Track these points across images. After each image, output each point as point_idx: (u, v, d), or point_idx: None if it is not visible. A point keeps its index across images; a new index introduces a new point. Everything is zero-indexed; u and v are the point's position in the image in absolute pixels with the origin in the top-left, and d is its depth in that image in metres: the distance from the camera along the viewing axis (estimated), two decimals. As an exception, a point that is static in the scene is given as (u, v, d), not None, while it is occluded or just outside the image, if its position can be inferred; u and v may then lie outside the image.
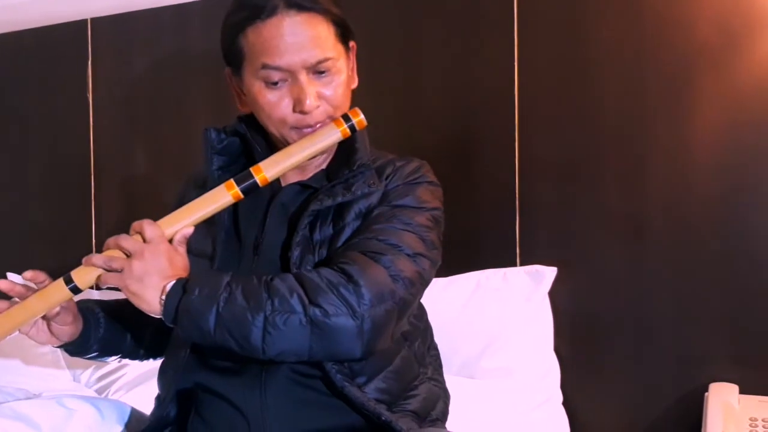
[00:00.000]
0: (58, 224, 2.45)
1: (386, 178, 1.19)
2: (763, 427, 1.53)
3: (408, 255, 1.10)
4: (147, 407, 1.38)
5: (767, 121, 1.66)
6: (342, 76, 1.16)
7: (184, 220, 1.10)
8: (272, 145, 1.23)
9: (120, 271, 1.05)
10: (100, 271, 1.07)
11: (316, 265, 1.13)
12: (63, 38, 2.42)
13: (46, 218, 2.47)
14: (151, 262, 1.04)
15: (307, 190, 1.21)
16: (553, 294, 1.81)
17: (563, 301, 1.82)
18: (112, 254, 1.06)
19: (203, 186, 1.23)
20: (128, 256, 1.06)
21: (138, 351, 1.34)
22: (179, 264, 1.07)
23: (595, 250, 1.80)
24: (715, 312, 1.69)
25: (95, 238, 2.38)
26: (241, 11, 1.14)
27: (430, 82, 1.95)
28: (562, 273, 1.81)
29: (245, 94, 1.20)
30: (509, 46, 1.87)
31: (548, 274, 1.81)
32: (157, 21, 2.30)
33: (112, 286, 1.06)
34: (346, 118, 1.15)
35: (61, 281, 1.10)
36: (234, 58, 1.17)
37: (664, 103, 1.74)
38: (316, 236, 1.15)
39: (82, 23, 2.38)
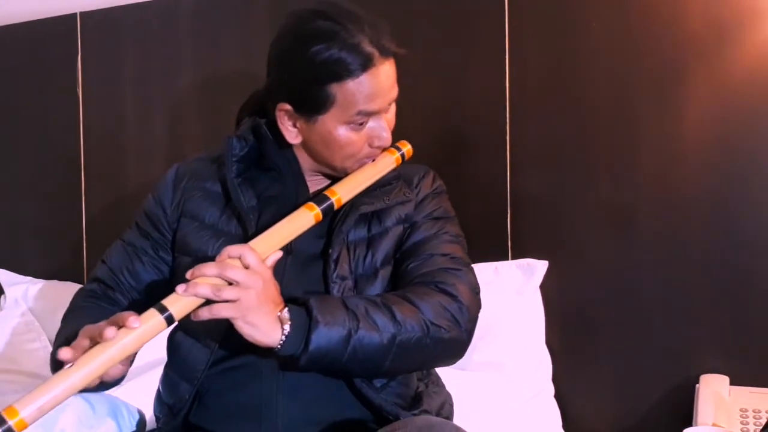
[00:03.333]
0: (47, 220, 2.43)
1: (416, 187, 1.28)
2: (754, 417, 1.54)
3: (465, 265, 1.23)
4: (139, 401, 1.37)
5: (757, 113, 1.67)
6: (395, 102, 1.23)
7: (272, 244, 1.10)
8: (293, 156, 1.24)
9: (233, 301, 1.01)
10: (199, 301, 1.02)
11: (394, 280, 1.21)
12: (52, 33, 2.40)
13: (36, 214, 2.46)
14: (265, 291, 1.03)
15: None
16: (544, 287, 1.82)
17: (554, 295, 1.82)
18: (215, 283, 1.02)
19: (209, 182, 1.27)
20: (230, 284, 1.02)
21: None
22: (278, 290, 1.08)
23: (586, 244, 1.81)
24: (706, 304, 1.70)
25: (85, 234, 2.37)
26: (334, 64, 1.12)
27: (421, 78, 1.94)
28: (553, 266, 1.82)
29: (303, 129, 1.19)
30: (500, 40, 1.87)
31: (539, 267, 1.81)
32: (147, 15, 2.29)
33: (223, 317, 1.01)
34: (397, 148, 1.25)
35: (154, 311, 1.01)
36: (315, 104, 1.15)
37: (655, 97, 1.75)
38: (351, 237, 1.21)
39: (71, 17, 2.37)
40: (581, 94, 1.82)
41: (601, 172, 1.80)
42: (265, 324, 1.02)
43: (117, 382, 1.15)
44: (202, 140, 2.15)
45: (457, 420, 1.26)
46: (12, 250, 2.48)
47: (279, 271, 1.15)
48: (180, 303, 1.02)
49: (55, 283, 2.33)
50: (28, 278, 2.38)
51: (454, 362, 1.23)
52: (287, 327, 1.03)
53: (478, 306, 1.21)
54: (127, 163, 2.32)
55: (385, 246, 1.22)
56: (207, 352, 1.17)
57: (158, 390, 1.27)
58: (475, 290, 1.21)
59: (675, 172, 1.73)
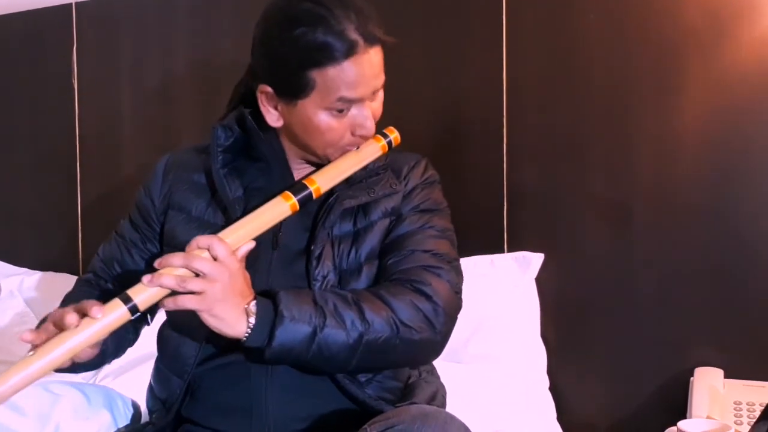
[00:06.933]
0: (43, 211, 2.43)
1: (404, 178, 1.24)
2: (748, 410, 1.55)
3: (449, 262, 1.18)
4: (134, 393, 1.37)
5: (754, 107, 1.67)
6: (382, 90, 1.19)
7: (244, 235, 1.07)
8: (279, 144, 1.22)
9: (197, 293, 1.00)
10: (164, 292, 1.00)
11: (377, 277, 1.17)
12: (47, 23, 2.40)
13: (32, 205, 2.45)
14: (232, 284, 1.01)
15: None
16: (540, 280, 1.82)
17: (550, 287, 1.82)
18: (181, 274, 1.01)
19: (196, 174, 1.24)
20: (197, 275, 1.01)
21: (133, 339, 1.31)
22: (248, 282, 1.06)
23: (581, 237, 1.81)
24: (701, 297, 1.70)
25: (81, 224, 2.36)
26: (317, 48, 1.08)
27: (418, 69, 1.94)
28: (549, 259, 1.82)
29: (284, 112, 1.16)
30: (497, 32, 1.87)
31: (535, 260, 1.81)
32: (143, 5, 2.28)
33: (188, 308, 1.00)
34: (383, 135, 1.20)
35: (117, 301, 1.00)
36: (295, 88, 1.12)
37: (652, 90, 1.75)
38: (336, 231, 1.18)
39: (66, 8, 2.36)
40: (578, 87, 1.81)
41: (597, 166, 1.80)
42: (230, 316, 1.01)
43: (92, 365, 1.15)
44: (198, 131, 2.14)
45: (451, 412, 1.26)
46: (8, 241, 2.48)
47: (265, 266, 1.15)
48: (145, 293, 1.00)
49: (50, 274, 2.33)
50: (24, 269, 2.38)
51: (427, 363, 1.22)
52: (252, 320, 1.02)
53: (457, 307, 1.18)
54: (122, 154, 2.32)
55: (370, 241, 1.18)
56: (195, 345, 1.16)
57: (150, 384, 1.27)
58: (455, 289, 1.17)
59: (671, 166, 1.73)
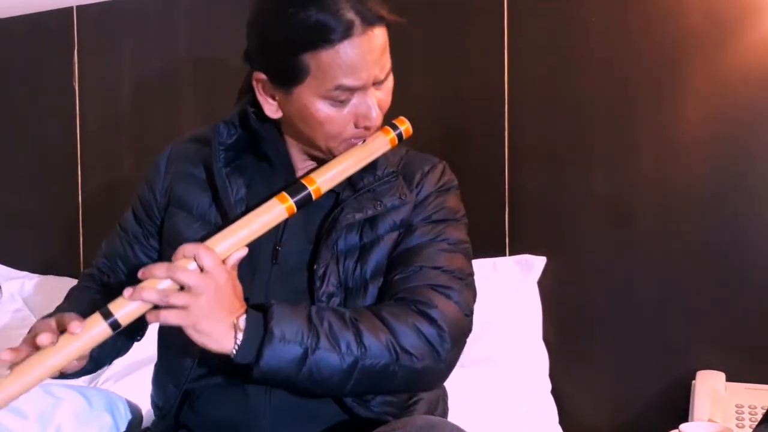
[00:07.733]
0: (44, 214, 2.43)
1: (416, 186, 1.15)
2: (749, 413, 1.55)
3: (461, 279, 1.11)
4: (135, 396, 1.37)
5: (754, 110, 1.67)
6: (392, 78, 1.10)
7: (235, 241, 0.99)
8: (282, 142, 1.15)
9: (181, 307, 0.93)
10: (147, 306, 0.94)
11: (383, 294, 1.09)
12: (48, 26, 2.40)
13: (33, 208, 2.45)
14: (218, 297, 0.94)
15: (327, 193, 1.10)
16: (542, 283, 1.82)
17: (552, 290, 1.82)
18: (164, 288, 0.94)
19: (198, 168, 1.18)
20: (182, 288, 0.94)
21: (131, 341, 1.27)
22: (239, 293, 0.99)
23: (583, 240, 1.81)
24: (702, 300, 1.70)
25: (82, 228, 2.36)
26: (310, 29, 1.00)
27: (419, 71, 1.94)
28: (551, 262, 1.82)
29: (281, 102, 1.08)
30: (499, 34, 1.87)
31: (537, 263, 1.81)
32: (144, 8, 2.28)
33: (172, 324, 0.94)
34: (393, 126, 1.12)
35: (98, 316, 0.94)
36: (288, 73, 1.03)
37: (653, 92, 1.75)
38: (341, 246, 1.10)
39: (67, 11, 2.36)
40: (580, 89, 1.81)
41: (599, 169, 1.79)
42: (217, 332, 0.95)
43: (84, 372, 1.11)
44: (199, 134, 2.15)
45: (454, 416, 1.26)
46: (8, 244, 2.47)
47: (263, 282, 1.09)
48: (127, 308, 0.94)
49: (51, 278, 2.33)
50: (24, 273, 2.38)
51: (430, 390, 1.16)
52: (240, 336, 0.96)
53: (465, 331, 1.10)
54: (123, 157, 2.32)
55: (376, 256, 1.10)
56: (191, 353, 1.10)
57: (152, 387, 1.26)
58: (464, 311, 1.09)
59: (672, 168, 1.73)
